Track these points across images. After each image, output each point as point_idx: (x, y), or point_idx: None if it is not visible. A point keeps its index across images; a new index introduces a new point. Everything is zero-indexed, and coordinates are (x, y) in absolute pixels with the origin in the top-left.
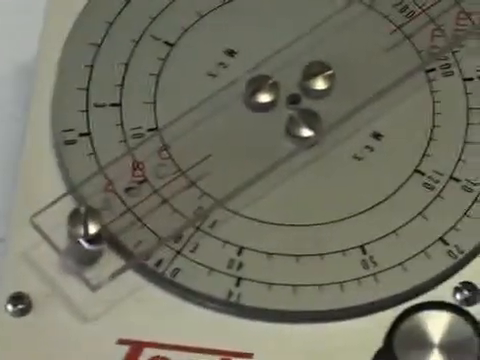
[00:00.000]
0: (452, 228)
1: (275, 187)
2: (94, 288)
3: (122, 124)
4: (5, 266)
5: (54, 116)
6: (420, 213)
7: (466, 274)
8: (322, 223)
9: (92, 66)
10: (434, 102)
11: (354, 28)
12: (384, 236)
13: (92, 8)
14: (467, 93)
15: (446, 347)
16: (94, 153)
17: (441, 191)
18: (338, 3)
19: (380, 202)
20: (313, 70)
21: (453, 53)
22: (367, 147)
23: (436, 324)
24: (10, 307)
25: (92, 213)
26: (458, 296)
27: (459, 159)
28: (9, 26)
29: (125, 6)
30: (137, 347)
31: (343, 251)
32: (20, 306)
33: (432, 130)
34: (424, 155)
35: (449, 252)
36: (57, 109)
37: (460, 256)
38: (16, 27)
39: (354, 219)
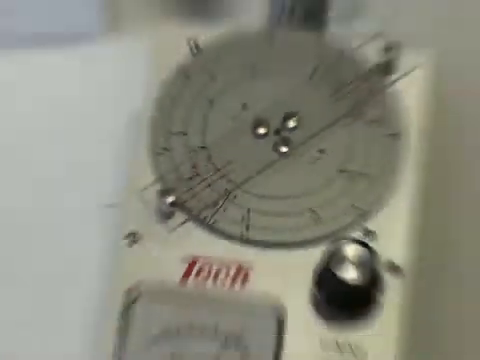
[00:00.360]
0: (360, 197)
1: (267, 178)
2: (171, 230)
3: (186, 144)
4: (125, 216)
5: (151, 138)
6: (343, 191)
7: (369, 224)
8: (292, 196)
9: (171, 109)
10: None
11: (313, 86)
12: (324, 203)
13: (174, 76)
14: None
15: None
16: (172, 160)
17: (354, 180)
18: (303, 73)
19: (322, 186)
20: (288, 116)
21: (365, 104)
22: (316, 158)
23: (352, 251)
24: (126, 240)
25: (171, 190)
26: (364, 236)
27: (365, 162)
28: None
29: (190, 77)
30: (192, 263)
31: (303, 211)
32: (132, 239)
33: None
34: (346, 161)
35: (359, 211)
36: (152, 134)
37: (365, 214)
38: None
39: (308, 194)
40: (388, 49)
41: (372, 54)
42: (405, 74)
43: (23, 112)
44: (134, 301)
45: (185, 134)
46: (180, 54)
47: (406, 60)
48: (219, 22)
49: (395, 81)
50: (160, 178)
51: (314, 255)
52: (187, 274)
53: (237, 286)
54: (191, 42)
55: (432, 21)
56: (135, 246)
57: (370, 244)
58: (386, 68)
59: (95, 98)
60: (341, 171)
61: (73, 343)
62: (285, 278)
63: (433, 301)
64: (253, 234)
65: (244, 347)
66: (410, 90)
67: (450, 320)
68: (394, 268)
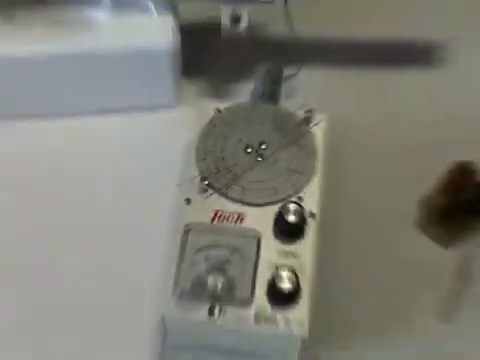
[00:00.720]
0: (296, 181)
1: (252, 173)
2: (206, 198)
3: (214, 157)
4: (183, 191)
5: (196, 154)
6: (287, 178)
7: (300, 194)
8: (264, 181)
9: (205, 140)
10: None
11: (273, 129)
12: (279, 184)
13: (207, 125)
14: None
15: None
16: (207, 164)
17: (293, 173)
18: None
19: (278, 176)
20: (261, 143)
21: (298, 138)
22: (275, 163)
23: (292, 206)
24: (184, 201)
25: (206, 178)
26: (298, 199)
27: (298, 165)
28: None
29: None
30: (216, 213)
31: (268, 188)
32: (187, 201)
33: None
34: (289, 164)
35: (296, 188)
36: (197, 152)
37: (299, 189)
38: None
39: (272, 180)
40: (308, 111)
41: (300, 114)
42: (316, 124)
43: (117, 161)
44: (187, 232)
45: (213, 152)
46: (210, 114)
47: (316, 118)
48: (229, 99)
49: (312, 127)
50: (201, 172)
51: (275, 209)
52: (213, 218)
53: (237, 224)
54: (215, 108)
55: (332, 98)
56: (189, 205)
57: (301, 203)
58: (307, 121)
59: (170, 143)
60: (287, 169)
61: (155, 256)
62: (261, 220)
63: (334, 230)
64: (246, 198)
65: (242, 254)
66: (318, 132)
67: (346, 234)
68: (312, 215)
